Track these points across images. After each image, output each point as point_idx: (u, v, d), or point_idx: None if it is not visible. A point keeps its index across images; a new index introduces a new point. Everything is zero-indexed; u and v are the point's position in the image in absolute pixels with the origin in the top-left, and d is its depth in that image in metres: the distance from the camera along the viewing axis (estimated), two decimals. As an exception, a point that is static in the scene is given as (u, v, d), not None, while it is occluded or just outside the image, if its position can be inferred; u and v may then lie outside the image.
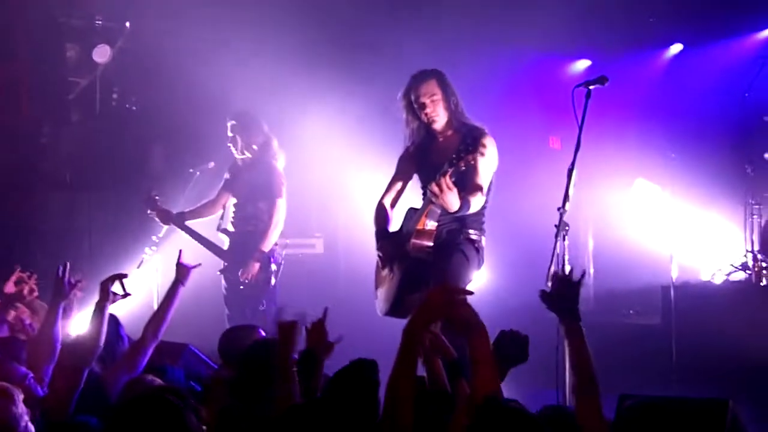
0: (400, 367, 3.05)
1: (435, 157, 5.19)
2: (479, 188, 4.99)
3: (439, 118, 5.24)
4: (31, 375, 4.23)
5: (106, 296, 4.35)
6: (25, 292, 5.20)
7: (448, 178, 4.71)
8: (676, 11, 8.82)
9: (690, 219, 8.39)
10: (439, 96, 5.22)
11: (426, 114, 5.24)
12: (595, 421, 2.88)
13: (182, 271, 4.78)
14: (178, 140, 9.10)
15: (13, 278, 5.17)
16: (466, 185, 4.93)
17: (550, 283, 3.43)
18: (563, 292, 3.26)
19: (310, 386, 3.65)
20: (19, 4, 8.45)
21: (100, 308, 4.31)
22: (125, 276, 4.49)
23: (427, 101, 5.22)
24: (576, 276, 3.26)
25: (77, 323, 5.43)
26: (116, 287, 4.42)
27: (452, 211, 4.85)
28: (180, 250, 5.06)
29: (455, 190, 4.75)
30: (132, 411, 2.90)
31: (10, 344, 4.58)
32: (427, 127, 5.30)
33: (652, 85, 9.30)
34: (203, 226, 7.15)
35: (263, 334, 4.74)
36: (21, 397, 3.70)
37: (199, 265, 4.96)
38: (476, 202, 4.97)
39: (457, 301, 3.12)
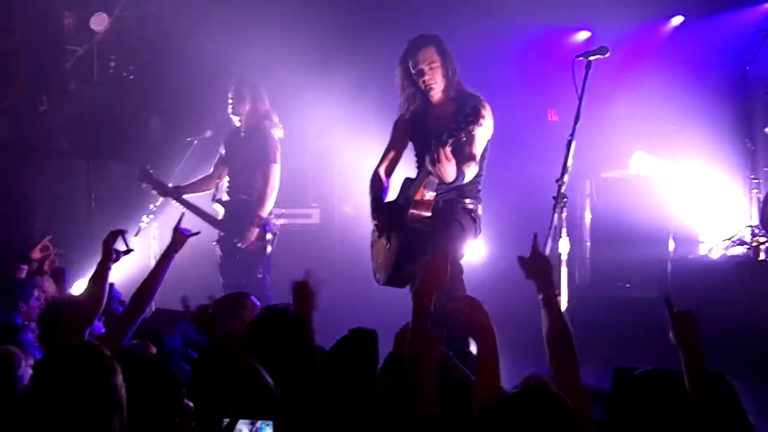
0: (416, 332, 3.15)
1: (430, 125, 5.16)
2: (473, 157, 4.97)
3: (437, 86, 5.19)
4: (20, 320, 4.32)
5: (109, 255, 4.29)
6: (46, 266, 5.38)
7: (447, 148, 4.68)
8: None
9: (689, 193, 8.37)
10: (437, 63, 5.16)
11: (424, 81, 5.19)
12: (575, 391, 2.89)
13: (178, 237, 4.62)
14: (176, 108, 9.05)
15: (40, 246, 5.43)
16: (462, 154, 4.91)
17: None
18: (539, 256, 3.33)
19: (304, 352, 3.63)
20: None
21: (102, 267, 4.25)
22: (126, 231, 4.43)
23: (426, 68, 5.17)
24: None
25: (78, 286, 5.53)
26: (118, 244, 4.35)
27: (448, 181, 4.83)
28: (182, 214, 5.01)
29: (453, 161, 4.72)
30: (58, 359, 2.78)
31: None
32: (423, 94, 5.24)
33: (653, 57, 9.23)
34: (199, 197, 7.13)
35: (255, 301, 4.73)
36: (30, 362, 3.70)
37: (199, 233, 4.83)
38: (470, 172, 4.96)
39: (474, 305, 3.13)
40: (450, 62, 5.20)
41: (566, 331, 3.17)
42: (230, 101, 6.96)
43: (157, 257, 4.75)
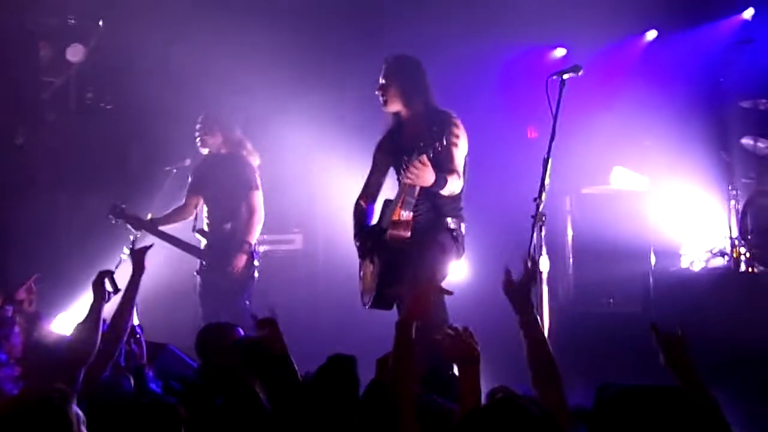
0: (398, 363, 3.14)
1: (404, 143, 5.24)
2: (454, 170, 5.02)
3: (390, 103, 5.31)
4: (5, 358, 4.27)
5: (101, 296, 4.32)
6: (25, 305, 5.35)
7: (423, 157, 4.74)
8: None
9: (668, 206, 8.41)
10: (389, 81, 5.29)
11: (381, 97, 5.33)
12: (559, 412, 2.89)
13: (136, 257, 4.66)
14: (154, 138, 9.03)
15: (26, 286, 5.35)
16: (441, 170, 4.95)
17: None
18: (526, 282, 3.31)
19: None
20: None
21: (95, 309, 4.27)
22: (113, 272, 4.45)
23: (379, 83, 5.33)
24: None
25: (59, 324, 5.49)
26: (107, 284, 4.36)
27: (428, 185, 4.85)
28: (149, 245, 4.98)
29: (429, 166, 4.77)
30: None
31: None
32: (395, 114, 5.35)
33: (629, 72, 9.30)
34: (176, 228, 7.11)
35: (242, 332, 4.71)
36: None
37: (152, 245, 4.82)
38: (453, 183, 4.99)
39: (457, 332, 3.13)
40: (406, 80, 5.29)
41: (546, 353, 3.17)
42: (197, 134, 6.96)
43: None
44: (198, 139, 6.96)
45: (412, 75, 5.31)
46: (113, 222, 7.01)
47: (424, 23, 8.73)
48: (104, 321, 4.64)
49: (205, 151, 6.98)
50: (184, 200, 7.09)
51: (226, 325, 4.82)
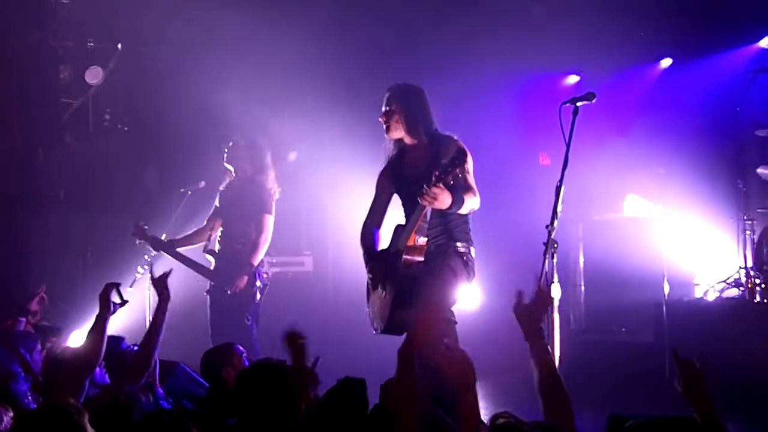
0: (400, 390, 3.16)
1: (408, 170, 5.30)
2: (470, 189, 5.05)
3: (393, 130, 5.35)
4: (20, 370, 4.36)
5: (107, 307, 4.44)
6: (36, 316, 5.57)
7: (437, 185, 4.77)
8: (665, 25, 8.82)
9: (682, 235, 8.36)
10: (392, 108, 5.33)
11: (383, 124, 5.38)
12: None
13: (158, 284, 4.80)
14: (170, 160, 9.11)
15: (37, 298, 5.79)
16: (457, 190, 4.98)
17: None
18: (538, 307, 3.28)
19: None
20: (12, 28, 8.46)
21: (101, 319, 4.40)
22: (119, 284, 4.58)
23: (382, 112, 5.37)
24: None
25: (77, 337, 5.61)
26: (114, 296, 4.50)
27: (446, 207, 4.88)
28: (168, 271, 5.04)
29: (445, 189, 4.80)
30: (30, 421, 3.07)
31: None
32: (397, 141, 5.40)
33: (643, 100, 9.29)
34: (191, 249, 7.15)
35: (241, 349, 4.77)
36: (9, 415, 3.74)
37: (170, 271, 4.96)
38: (471, 201, 5.02)
39: (457, 357, 3.12)
40: (409, 107, 5.32)
41: (556, 380, 3.15)
42: (226, 151, 7.01)
43: (153, 307, 4.85)
44: (225, 155, 7.00)
45: (415, 102, 5.36)
46: (137, 242, 7.07)
47: (438, 51, 8.78)
48: (135, 345, 4.79)
49: (230, 168, 7.01)
50: (205, 222, 7.14)
51: (223, 347, 4.89)
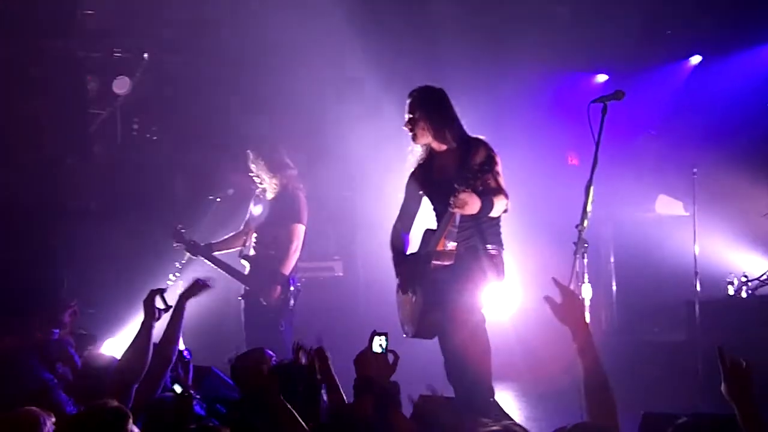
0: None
1: (437, 173, 5.28)
2: (500, 192, 5.03)
3: (419, 137, 5.31)
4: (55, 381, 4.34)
5: (152, 314, 4.44)
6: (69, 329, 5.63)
7: (465, 190, 4.76)
8: (693, 22, 8.74)
9: (715, 234, 8.28)
10: (416, 115, 5.28)
11: (409, 132, 5.32)
12: None
13: (194, 284, 4.79)
14: (199, 168, 9.16)
15: (71, 310, 5.74)
16: (486, 193, 4.98)
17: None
18: (571, 299, 3.23)
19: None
20: (39, 40, 8.55)
21: (146, 326, 4.41)
22: (164, 290, 4.57)
23: (406, 117, 5.32)
24: None
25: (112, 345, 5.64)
26: (157, 302, 4.50)
27: (475, 212, 4.86)
28: (208, 279, 5.04)
29: (473, 195, 4.80)
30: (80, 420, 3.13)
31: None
32: (425, 146, 5.36)
33: (673, 98, 9.22)
34: (227, 253, 7.20)
35: (271, 354, 4.76)
36: (51, 420, 3.75)
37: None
38: (500, 203, 5.01)
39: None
40: (434, 111, 5.28)
41: (603, 380, 3.09)
42: (253, 166, 7.04)
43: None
44: (252, 171, 7.03)
45: (439, 106, 5.30)
46: (175, 246, 7.11)
47: (464, 52, 8.74)
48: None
49: (258, 182, 7.03)
50: (242, 227, 7.17)
51: (254, 351, 4.87)
